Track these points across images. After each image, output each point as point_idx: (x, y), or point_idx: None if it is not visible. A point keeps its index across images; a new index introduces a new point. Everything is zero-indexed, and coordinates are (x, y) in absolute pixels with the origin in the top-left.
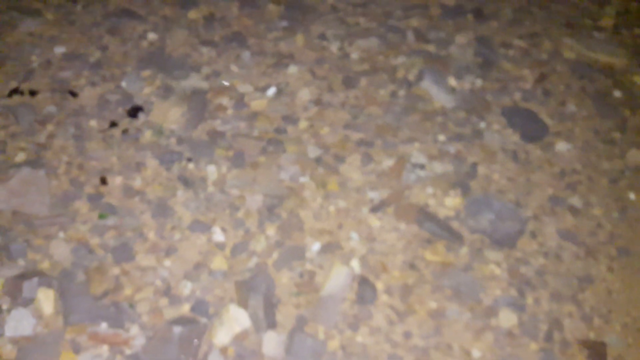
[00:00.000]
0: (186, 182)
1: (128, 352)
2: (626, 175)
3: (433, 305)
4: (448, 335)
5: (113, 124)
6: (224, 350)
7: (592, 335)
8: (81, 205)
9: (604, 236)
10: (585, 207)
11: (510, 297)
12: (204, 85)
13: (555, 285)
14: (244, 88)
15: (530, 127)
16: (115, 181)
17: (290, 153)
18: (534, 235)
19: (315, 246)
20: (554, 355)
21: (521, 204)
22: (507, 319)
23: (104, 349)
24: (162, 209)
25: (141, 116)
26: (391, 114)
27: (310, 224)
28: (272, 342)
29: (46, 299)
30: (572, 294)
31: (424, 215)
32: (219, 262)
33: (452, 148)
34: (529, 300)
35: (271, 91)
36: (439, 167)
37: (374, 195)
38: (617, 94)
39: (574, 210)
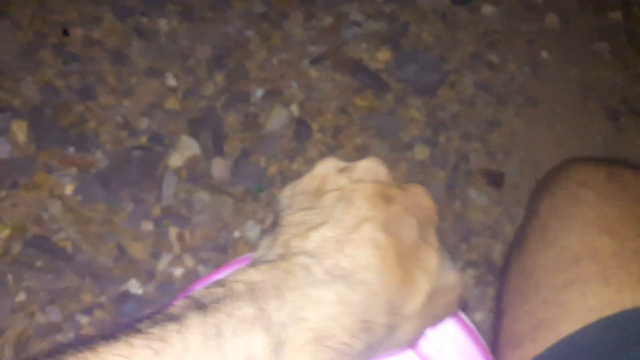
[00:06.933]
0: (140, 33)
1: (93, 171)
2: (542, 36)
3: (359, 141)
4: None
5: None
6: (177, 172)
7: (493, 167)
8: (46, 54)
9: (515, 87)
10: (501, 63)
11: (426, 136)
12: None
13: (466, 127)
14: None
15: None
16: (77, 33)
17: (237, 9)
18: (452, 85)
19: (259, 92)
20: (458, 181)
21: (444, 58)
22: (420, 152)
23: (73, 169)
24: (119, 57)
25: None
26: None
27: (255, 73)
28: (219, 166)
29: (19, 129)
30: (480, 134)
31: (357, 67)
32: (172, 103)
33: (388, 8)
34: (442, 138)
35: None
36: (374, 25)
37: (314, 49)
38: None
39: (491, 65)
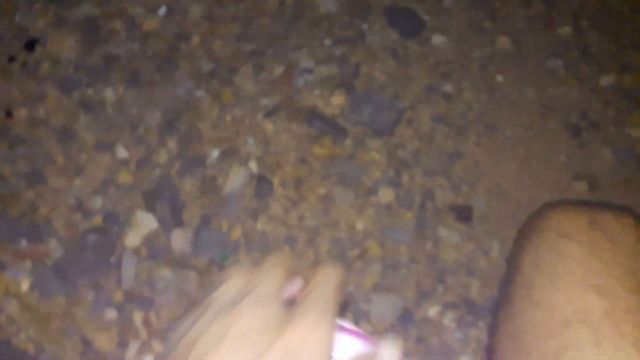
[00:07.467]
0: (86, 107)
1: (49, 262)
2: (495, 60)
3: (322, 191)
4: (335, 214)
5: (11, 59)
6: (136, 251)
7: (460, 201)
8: None
9: (473, 116)
10: (457, 92)
11: (388, 177)
12: (96, 11)
13: (428, 163)
14: (135, 10)
15: (409, 25)
16: (20, 113)
17: (184, 69)
18: (410, 122)
19: (215, 153)
20: (427, 221)
21: (399, 95)
22: (385, 195)
23: (27, 263)
24: (66, 135)
25: (38, 48)
26: (280, 22)
27: (209, 134)
28: (180, 238)
29: None
30: (443, 169)
31: (312, 115)
32: (124, 177)
33: (338, 51)
34: (405, 177)
35: (162, 10)
36: (325, 70)
37: (267, 102)
38: None
39: (446, 96)
